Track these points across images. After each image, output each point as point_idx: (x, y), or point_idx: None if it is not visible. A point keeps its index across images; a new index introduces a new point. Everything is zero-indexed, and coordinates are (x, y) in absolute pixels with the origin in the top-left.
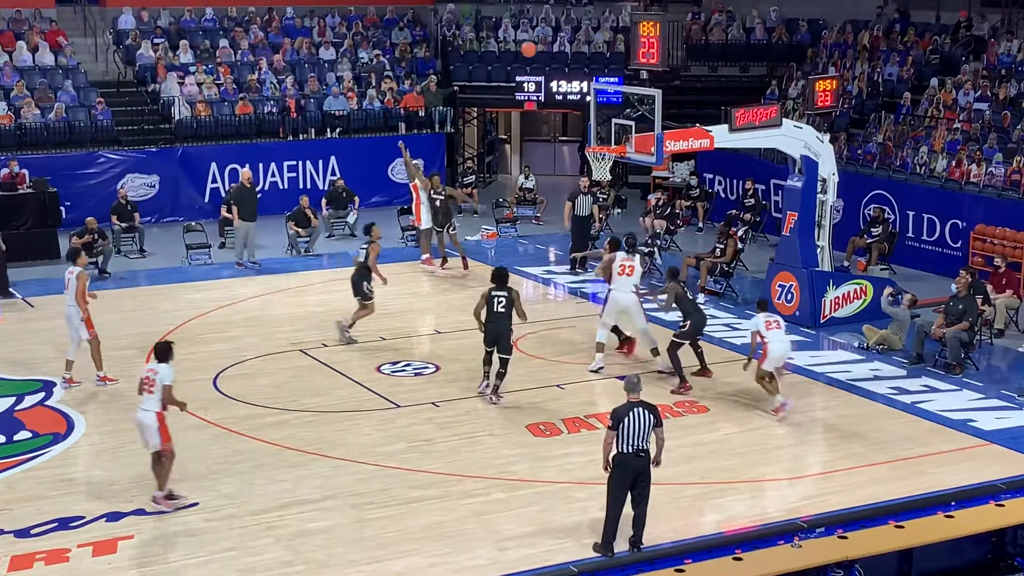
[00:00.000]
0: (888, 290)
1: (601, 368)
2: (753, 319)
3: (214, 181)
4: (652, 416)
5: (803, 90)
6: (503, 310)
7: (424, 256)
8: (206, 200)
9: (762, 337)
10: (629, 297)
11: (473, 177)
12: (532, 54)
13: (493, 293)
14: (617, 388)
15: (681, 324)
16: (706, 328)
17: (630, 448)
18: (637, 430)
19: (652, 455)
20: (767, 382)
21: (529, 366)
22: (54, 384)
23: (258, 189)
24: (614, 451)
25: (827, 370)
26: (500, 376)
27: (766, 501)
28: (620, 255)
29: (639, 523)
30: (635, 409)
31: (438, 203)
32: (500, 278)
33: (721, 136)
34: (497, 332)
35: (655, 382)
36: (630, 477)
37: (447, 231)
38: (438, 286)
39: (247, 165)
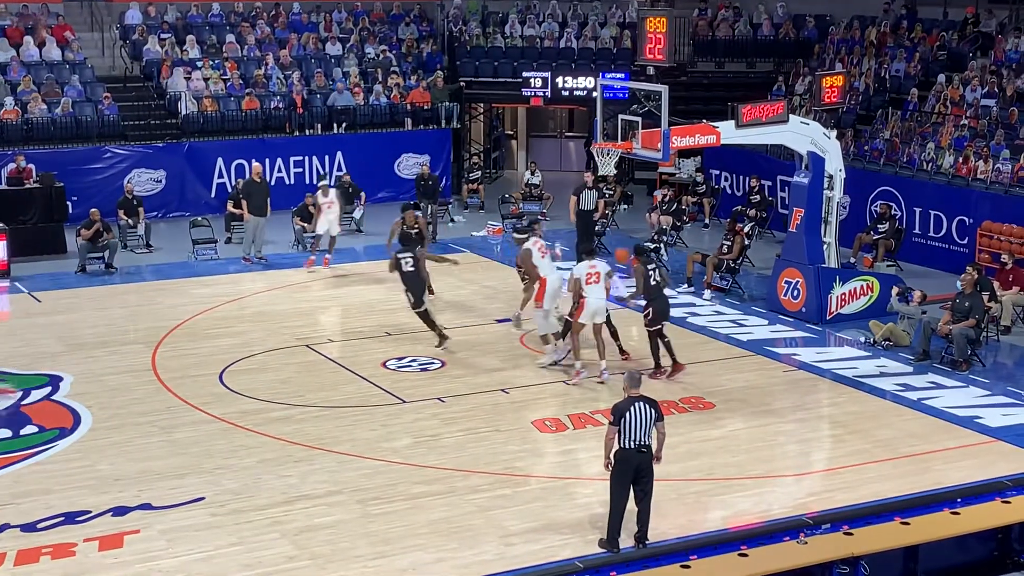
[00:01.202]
0: (895, 289)
1: (556, 362)
2: (577, 266)
3: (220, 176)
4: (653, 411)
5: (810, 86)
6: (411, 269)
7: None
8: (212, 195)
9: (581, 289)
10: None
11: (479, 173)
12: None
13: (399, 255)
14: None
15: (644, 311)
16: (673, 313)
17: (632, 443)
18: (638, 425)
19: (653, 450)
20: (576, 336)
21: (535, 361)
22: (60, 379)
23: None
24: (616, 447)
25: (833, 366)
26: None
27: (771, 497)
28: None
29: (643, 519)
30: (636, 404)
31: (413, 235)
32: (408, 240)
33: (727, 132)
34: (411, 288)
35: (658, 379)
36: (632, 472)
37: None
38: (443, 282)
39: (254, 160)
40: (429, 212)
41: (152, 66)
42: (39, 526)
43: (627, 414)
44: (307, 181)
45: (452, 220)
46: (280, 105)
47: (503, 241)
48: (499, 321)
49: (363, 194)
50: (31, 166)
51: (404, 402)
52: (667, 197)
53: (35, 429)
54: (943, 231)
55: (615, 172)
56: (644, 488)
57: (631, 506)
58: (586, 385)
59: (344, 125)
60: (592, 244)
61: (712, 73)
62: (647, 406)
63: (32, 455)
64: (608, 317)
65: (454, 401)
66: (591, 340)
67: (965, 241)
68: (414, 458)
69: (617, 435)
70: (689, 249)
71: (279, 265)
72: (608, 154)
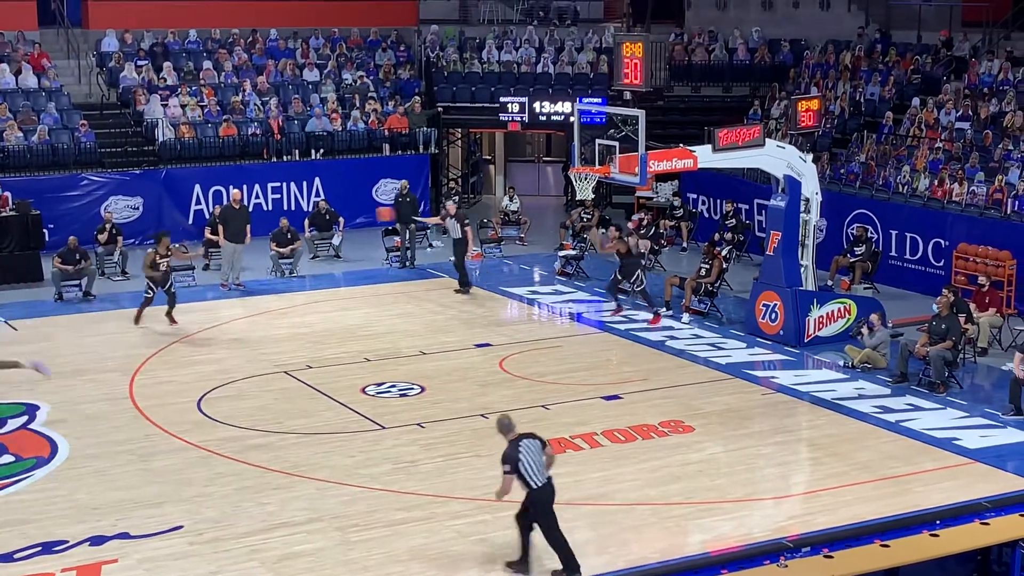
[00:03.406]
0: (863, 329)
1: None
2: None
3: (198, 203)
4: (538, 440)
5: (786, 110)
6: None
7: None
8: (190, 222)
9: None
10: None
11: (457, 197)
12: (388, 217)
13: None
14: (606, 407)
15: None
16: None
17: (542, 479)
18: (536, 461)
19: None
20: None
21: (514, 387)
22: (37, 407)
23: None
24: (532, 486)
25: (811, 389)
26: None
27: (752, 521)
28: None
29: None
30: (522, 443)
31: (164, 266)
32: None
33: (704, 156)
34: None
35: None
36: (553, 500)
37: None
38: (422, 307)
39: (231, 186)
40: (407, 236)
41: (129, 93)
42: (16, 556)
43: (520, 457)
44: (285, 207)
45: (430, 245)
46: (258, 131)
47: (481, 265)
48: (478, 346)
49: (342, 220)
50: (7, 194)
51: (383, 428)
52: (645, 221)
53: (11, 459)
54: (919, 253)
55: (593, 196)
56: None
57: (541, 542)
58: (565, 409)
59: (322, 151)
60: (464, 276)
61: (688, 97)
62: (531, 440)
63: (9, 485)
64: None
65: (433, 427)
66: None
67: (941, 263)
68: (394, 484)
69: (522, 481)
70: (667, 272)
71: (257, 292)
72: (586, 179)
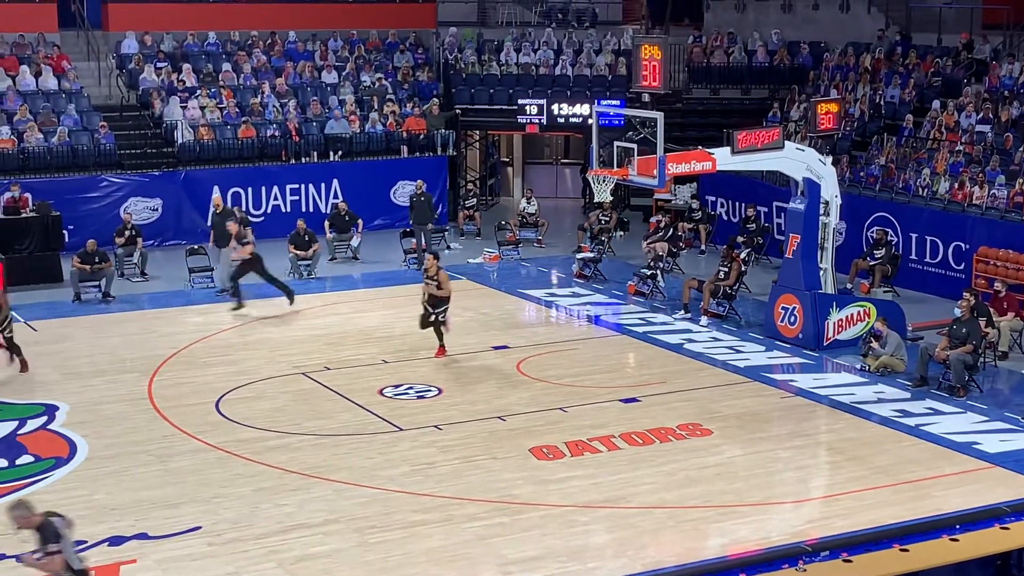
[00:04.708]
0: (871, 343)
1: None
2: None
3: None
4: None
5: (805, 112)
6: None
7: None
8: (208, 223)
9: None
10: None
11: (475, 200)
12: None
13: None
14: (623, 409)
15: None
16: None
17: (79, 565)
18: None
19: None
20: None
21: (532, 389)
22: (56, 408)
23: (260, 212)
24: (75, 567)
25: (830, 393)
26: None
27: (770, 524)
28: None
29: None
30: (56, 520)
31: None
32: None
33: (723, 158)
34: None
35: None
36: None
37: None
38: None
39: (250, 188)
40: (423, 238)
41: (148, 95)
42: (35, 556)
43: (65, 536)
44: (303, 209)
45: (448, 247)
46: (276, 133)
47: (499, 268)
48: (495, 348)
49: (360, 221)
50: (27, 195)
51: (401, 430)
52: (663, 224)
53: (31, 459)
54: (939, 257)
55: (611, 199)
56: None
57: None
58: (582, 412)
59: (340, 153)
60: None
61: (707, 100)
62: (61, 519)
63: (28, 485)
64: None
65: (451, 428)
66: None
67: (961, 267)
68: (411, 486)
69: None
70: (685, 275)
71: (274, 293)
72: (604, 181)
